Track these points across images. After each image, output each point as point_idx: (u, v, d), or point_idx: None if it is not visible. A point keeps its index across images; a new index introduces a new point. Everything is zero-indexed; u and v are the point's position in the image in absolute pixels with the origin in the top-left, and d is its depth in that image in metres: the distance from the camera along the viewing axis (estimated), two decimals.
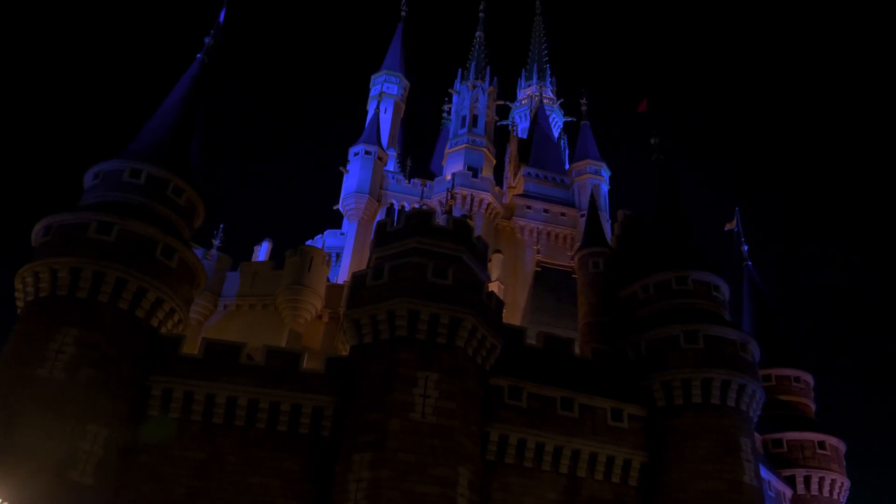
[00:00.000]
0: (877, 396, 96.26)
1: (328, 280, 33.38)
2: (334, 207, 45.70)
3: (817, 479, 34.06)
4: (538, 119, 53.85)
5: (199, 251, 31.55)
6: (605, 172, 47.74)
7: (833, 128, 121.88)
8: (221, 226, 35.69)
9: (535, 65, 67.63)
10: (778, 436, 34.91)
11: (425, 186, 45.07)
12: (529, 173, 47.23)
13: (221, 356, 23.73)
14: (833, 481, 34.30)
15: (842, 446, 35.57)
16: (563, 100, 64.75)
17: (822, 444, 34.74)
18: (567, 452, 24.28)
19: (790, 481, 33.96)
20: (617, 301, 30.55)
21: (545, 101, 62.05)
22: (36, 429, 20.06)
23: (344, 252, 43.43)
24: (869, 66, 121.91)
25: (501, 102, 53.23)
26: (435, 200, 43.58)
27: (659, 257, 29.75)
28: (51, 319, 22.00)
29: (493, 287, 36.27)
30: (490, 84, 48.98)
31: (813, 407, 36.97)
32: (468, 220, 28.72)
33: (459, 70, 50.26)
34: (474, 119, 46.80)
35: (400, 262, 24.50)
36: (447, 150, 46.76)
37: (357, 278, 25.13)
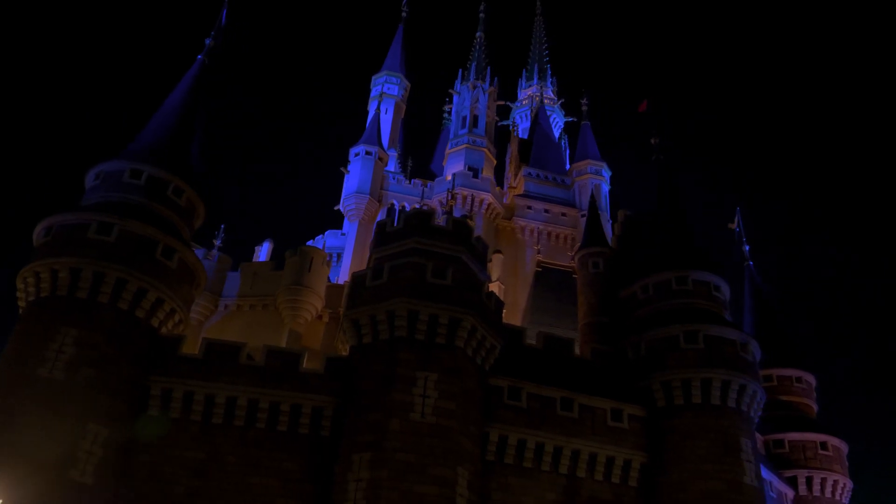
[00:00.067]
0: (879, 397, 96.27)
1: (329, 280, 33.41)
2: (335, 208, 45.71)
3: (819, 480, 33.95)
4: (539, 119, 53.86)
5: (199, 251, 31.60)
6: (606, 172, 47.71)
7: (833, 128, 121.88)
8: (222, 226, 35.74)
9: (536, 65, 67.71)
10: (779, 436, 34.81)
11: (426, 187, 45.08)
12: (530, 173, 47.22)
13: (221, 356, 23.75)
14: (835, 482, 34.19)
15: (844, 447, 35.45)
16: (563, 100, 64.85)
17: (824, 445, 34.63)
18: (567, 453, 24.25)
19: (792, 482, 33.88)
20: (617, 301, 30.53)
21: (546, 101, 62.09)
22: (36, 428, 20.11)
23: (344, 252, 43.43)
24: (869, 67, 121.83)
25: (502, 103, 53.24)
26: (435, 201, 43.58)
27: (659, 257, 29.72)
28: (51, 319, 22.06)
29: (494, 287, 36.27)
30: (490, 84, 49.00)
31: (815, 407, 36.88)
32: (468, 221, 28.72)
33: (460, 70, 50.27)
34: (475, 119, 46.81)
35: (399, 263, 24.52)
36: (448, 151, 46.78)
37: (357, 278, 25.16)
